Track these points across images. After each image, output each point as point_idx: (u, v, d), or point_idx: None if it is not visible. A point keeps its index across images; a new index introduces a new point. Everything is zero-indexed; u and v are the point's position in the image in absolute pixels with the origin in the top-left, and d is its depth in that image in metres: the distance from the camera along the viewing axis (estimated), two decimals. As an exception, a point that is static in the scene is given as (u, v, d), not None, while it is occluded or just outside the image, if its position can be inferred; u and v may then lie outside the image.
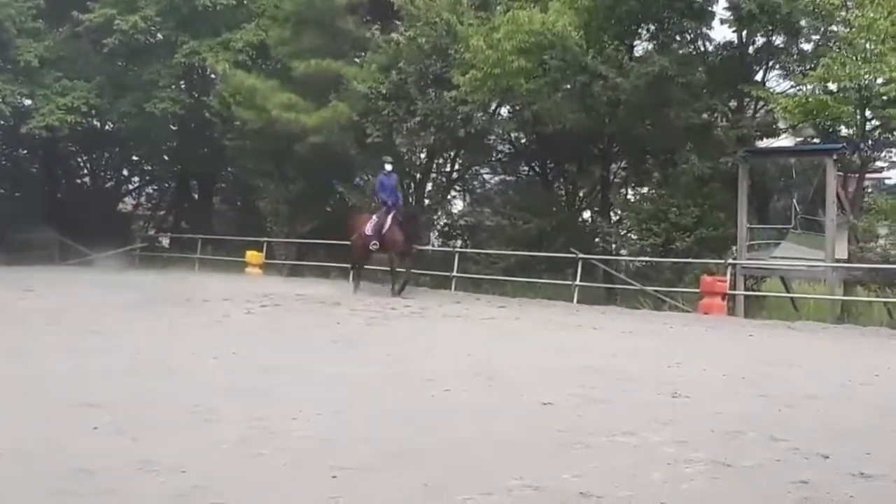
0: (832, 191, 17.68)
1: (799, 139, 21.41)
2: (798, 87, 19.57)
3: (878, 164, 20.54)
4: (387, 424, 7.02)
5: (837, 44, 18.62)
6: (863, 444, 6.64)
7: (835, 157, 17.95)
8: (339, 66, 23.80)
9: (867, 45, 17.61)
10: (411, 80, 22.36)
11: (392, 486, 5.37)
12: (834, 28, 19.23)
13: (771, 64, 20.89)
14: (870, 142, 18.98)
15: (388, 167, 20.15)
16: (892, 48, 17.33)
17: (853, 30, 17.81)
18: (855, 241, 18.24)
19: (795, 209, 18.80)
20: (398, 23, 23.56)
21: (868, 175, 20.47)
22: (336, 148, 23.82)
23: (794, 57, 20.43)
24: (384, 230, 19.22)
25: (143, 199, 34.76)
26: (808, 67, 19.51)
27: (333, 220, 25.34)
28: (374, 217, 19.69)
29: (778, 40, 20.43)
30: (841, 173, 18.79)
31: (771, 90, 20.27)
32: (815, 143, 19.98)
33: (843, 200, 18.46)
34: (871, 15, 17.48)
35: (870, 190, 20.70)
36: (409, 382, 8.88)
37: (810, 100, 18.25)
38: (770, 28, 19.83)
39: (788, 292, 19.44)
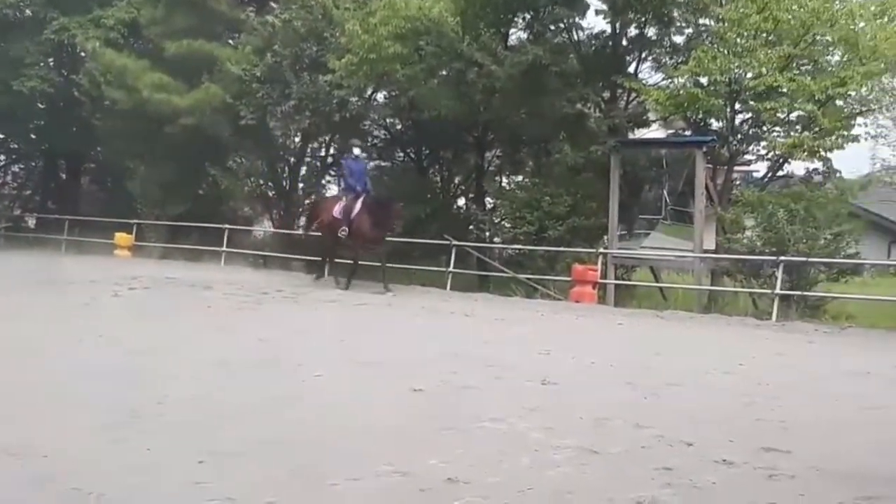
0: (701, 182, 18.13)
1: (670, 131, 21.93)
2: (670, 80, 20.13)
3: (747, 157, 21.17)
4: (256, 410, 6.96)
5: (709, 37, 19.21)
6: (726, 431, 6.80)
7: (704, 149, 18.43)
8: (213, 47, 23.54)
9: (738, 40, 18.20)
10: (286, 63, 22.22)
11: (260, 472, 5.33)
12: (706, 21, 19.88)
13: (643, 55, 21.44)
14: (739, 135, 19.57)
15: (357, 150, 19.98)
16: (762, 43, 17.99)
17: (725, 24, 18.37)
18: (722, 232, 18.80)
19: (666, 200, 19.27)
20: (274, 5, 23.57)
21: (736, 168, 21.07)
22: (208, 130, 23.43)
23: (667, 49, 21.06)
24: (353, 215, 18.24)
25: (8, 178, 34.05)
26: (679, 60, 20.11)
27: (205, 204, 25.20)
28: (343, 201, 18.78)
29: (651, 32, 20.93)
30: (710, 165, 19.30)
31: (643, 82, 20.78)
32: (685, 136, 20.47)
33: (712, 192, 18.96)
34: (743, 10, 18.04)
35: (738, 182, 21.34)
36: (279, 367, 8.86)
37: (681, 92, 18.80)
38: (643, 19, 20.29)
39: (658, 282, 20.01)
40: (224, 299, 14.86)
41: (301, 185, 25.70)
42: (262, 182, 26.17)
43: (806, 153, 18.51)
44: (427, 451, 5.87)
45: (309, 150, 26.06)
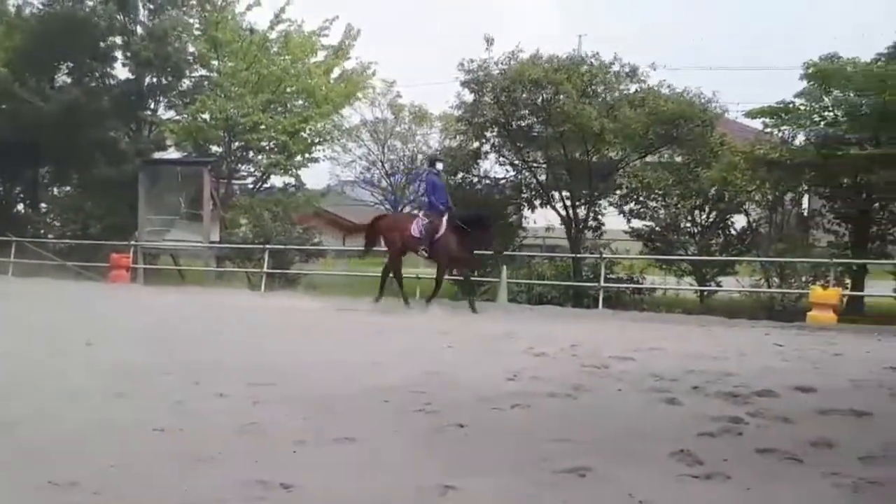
0: (207, 192, 24.03)
1: (184, 153, 27.43)
2: (181, 116, 26.11)
3: (242, 173, 27.23)
4: None
5: (210, 85, 25.43)
6: (224, 368, 8.63)
7: (209, 167, 24.47)
8: None
9: (232, 88, 24.54)
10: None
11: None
12: (207, 73, 26.06)
13: (161, 97, 27.04)
14: (234, 157, 25.86)
15: (440, 165, 18.64)
16: (250, 91, 24.46)
17: (222, 75, 24.77)
18: (224, 228, 24.83)
19: (182, 204, 24.95)
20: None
21: (234, 181, 27.04)
22: None
23: (179, 93, 26.91)
24: (437, 235, 16.91)
25: None
26: (188, 101, 25.99)
27: None
28: (422, 217, 17.46)
29: (165, 80, 26.67)
30: (215, 179, 25.15)
31: (160, 116, 26.74)
32: (194, 157, 26.20)
33: (217, 199, 24.89)
34: (233, 65, 24.57)
35: (236, 191, 27.09)
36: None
37: (190, 125, 24.98)
38: (160, 71, 26.10)
39: (177, 265, 25.89)
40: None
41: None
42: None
43: (282, 171, 25.55)
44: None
45: None
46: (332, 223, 24.21)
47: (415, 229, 17.00)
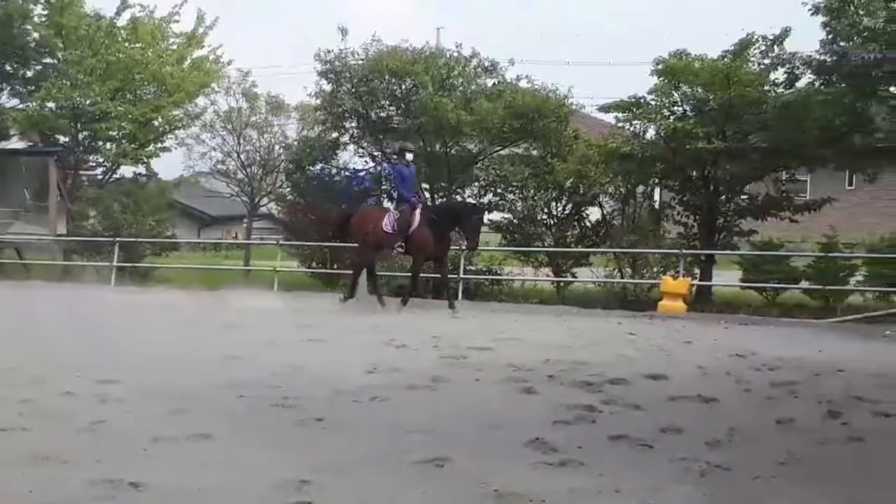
0: (54, 183, 23.33)
1: (29, 143, 26.21)
2: (26, 104, 24.94)
3: (90, 163, 26.17)
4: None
5: (55, 73, 24.39)
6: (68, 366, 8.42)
7: (55, 157, 23.70)
8: None
9: (78, 76, 23.61)
10: None
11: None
12: (52, 60, 24.97)
13: (4, 85, 25.56)
14: (82, 147, 24.85)
15: (410, 156, 16.71)
16: (97, 79, 23.56)
17: (67, 63, 23.80)
18: (72, 220, 23.95)
19: (27, 196, 24.04)
20: None
21: (83, 172, 25.96)
22: None
23: (24, 80, 25.51)
24: (412, 229, 15.74)
25: None
26: (34, 89, 24.69)
27: None
28: (393, 212, 16.20)
29: (10, 67, 25.26)
30: (62, 169, 24.29)
31: (4, 105, 25.33)
32: (40, 147, 25.26)
33: (63, 190, 24.03)
34: (80, 53, 23.63)
35: (85, 182, 25.96)
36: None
37: (35, 114, 23.93)
38: (4, 57, 24.75)
39: (21, 259, 24.66)
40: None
41: None
42: None
43: (132, 160, 24.79)
44: None
45: None
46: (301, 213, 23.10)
47: (387, 224, 15.83)
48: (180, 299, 17.13)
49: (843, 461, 5.61)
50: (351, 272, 17.13)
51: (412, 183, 16.49)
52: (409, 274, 16.96)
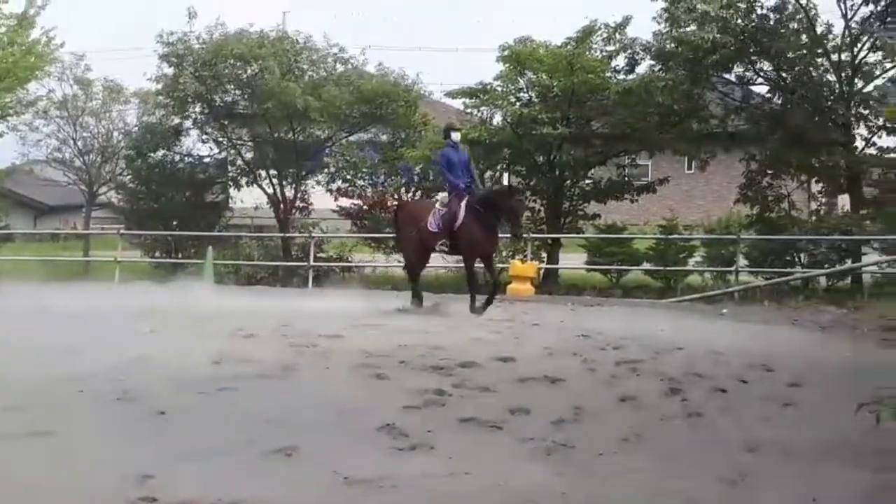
0: None
1: None
2: None
3: None
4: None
5: None
6: None
7: None
8: None
9: None
10: None
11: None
12: None
13: None
14: None
15: (456, 136, 14.42)
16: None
17: None
18: None
19: None
20: None
21: None
22: None
23: None
24: (457, 224, 13.56)
25: None
26: None
27: None
28: (439, 205, 13.99)
29: None
30: None
31: None
32: None
33: None
34: None
35: None
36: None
37: None
38: None
39: None
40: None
41: None
42: None
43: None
44: None
45: None
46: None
47: (432, 222, 13.70)
48: (14, 291, 16.20)
49: (683, 436, 5.80)
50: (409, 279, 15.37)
51: (463, 167, 13.99)
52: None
